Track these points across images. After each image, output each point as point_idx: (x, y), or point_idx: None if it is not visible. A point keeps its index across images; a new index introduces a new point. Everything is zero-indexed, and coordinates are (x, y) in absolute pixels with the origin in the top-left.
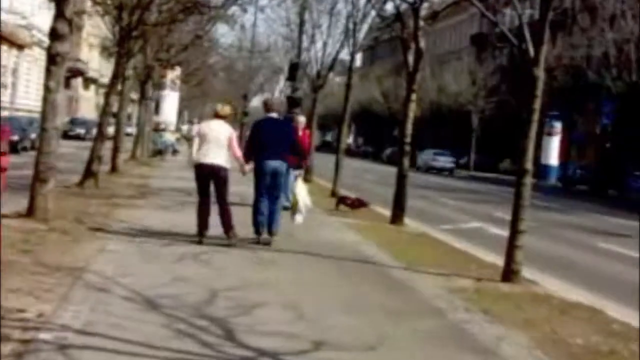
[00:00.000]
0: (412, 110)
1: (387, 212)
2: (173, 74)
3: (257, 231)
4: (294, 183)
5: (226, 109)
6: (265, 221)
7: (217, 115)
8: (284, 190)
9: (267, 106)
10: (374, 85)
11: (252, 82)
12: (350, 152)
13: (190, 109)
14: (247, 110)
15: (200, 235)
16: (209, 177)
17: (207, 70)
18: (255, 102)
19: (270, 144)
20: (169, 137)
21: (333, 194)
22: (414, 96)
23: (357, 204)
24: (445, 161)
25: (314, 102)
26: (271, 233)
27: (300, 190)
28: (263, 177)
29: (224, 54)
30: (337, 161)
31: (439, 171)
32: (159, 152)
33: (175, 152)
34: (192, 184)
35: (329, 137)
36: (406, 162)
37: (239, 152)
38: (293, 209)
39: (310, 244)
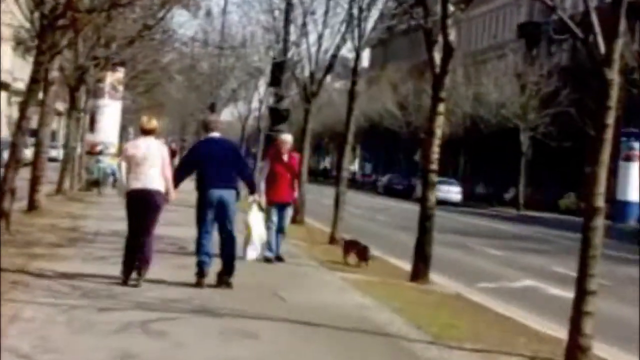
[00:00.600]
0: (440, 126)
1: (406, 266)
2: (114, 77)
3: (201, 272)
4: (250, 212)
5: (153, 122)
6: (209, 261)
7: (144, 131)
8: (267, 233)
9: (207, 125)
10: (386, 92)
11: (222, 88)
12: (356, 183)
13: (137, 125)
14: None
15: (126, 274)
16: (141, 204)
17: (161, 73)
18: (227, 114)
19: (214, 169)
20: (109, 162)
21: (332, 239)
22: (441, 107)
23: (362, 254)
24: (449, 191)
25: (306, 116)
26: (229, 276)
27: (255, 220)
28: (207, 209)
29: (184, 50)
30: (337, 196)
31: (442, 204)
32: (95, 184)
33: (117, 182)
34: None
35: (326, 163)
36: (432, 197)
37: (169, 174)
38: (246, 240)
39: (302, 309)
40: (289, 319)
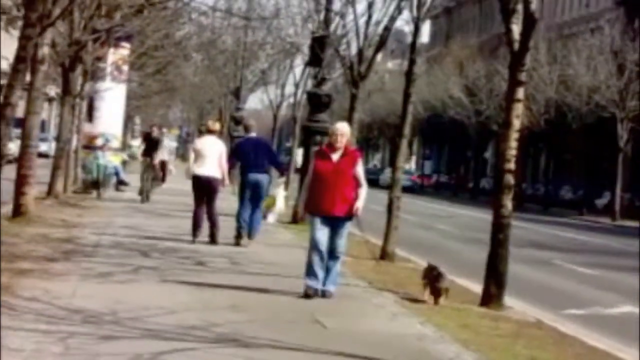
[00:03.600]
0: (518, 116)
1: (475, 287)
2: (117, 55)
3: (239, 234)
4: (278, 189)
5: (217, 125)
6: (245, 226)
7: (209, 131)
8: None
9: (247, 127)
10: (451, 75)
11: (249, 69)
12: (413, 185)
13: (145, 114)
14: (240, 115)
15: (194, 236)
16: (204, 186)
17: (174, 49)
18: (254, 101)
19: (251, 160)
20: (111, 159)
21: (383, 254)
22: (520, 93)
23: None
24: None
25: (352, 103)
26: (250, 236)
27: (279, 195)
28: (246, 189)
29: (202, 22)
30: (390, 201)
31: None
32: (93, 185)
33: (121, 183)
34: (149, 236)
35: (375, 161)
36: (508, 202)
37: (225, 166)
38: (268, 207)
39: (346, 338)
40: (329, 351)
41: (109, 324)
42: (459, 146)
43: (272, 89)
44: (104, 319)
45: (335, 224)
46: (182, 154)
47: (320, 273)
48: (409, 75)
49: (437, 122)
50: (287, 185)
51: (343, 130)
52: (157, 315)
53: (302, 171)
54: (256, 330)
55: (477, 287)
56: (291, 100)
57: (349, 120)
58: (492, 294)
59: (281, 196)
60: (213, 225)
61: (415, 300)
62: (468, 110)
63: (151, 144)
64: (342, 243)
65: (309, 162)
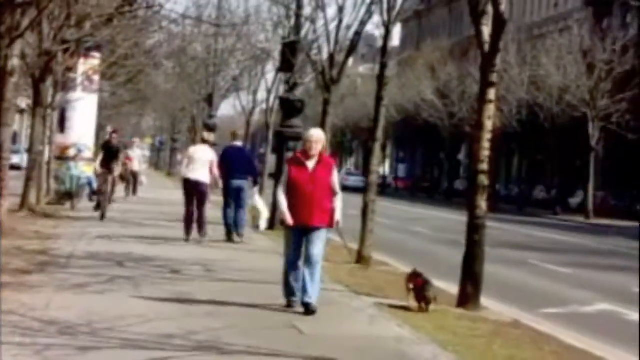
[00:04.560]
0: (490, 117)
1: (451, 288)
2: (88, 65)
3: (229, 233)
4: (255, 198)
5: (211, 137)
6: (234, 225)
7: (203, 141)
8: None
9: (234, 136)
10: (423, 77)
11: (221, 75)
12: (386, 189)
13: (117, 122)
14: (213, 122)
15: (187, 235)
16: (193, 189)
17: (145, 58)
18: (226, 107)
19: (234, 166)
20: (84, 170)
21: (360, 257)
22: (492, 94)
23: (420, 292)
24: (356, 181)
25: (324, 108)
26: (239, 234)
27: (260, 203)
28: (229, 193)
29: (173, 30)
30: (365, 205)
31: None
32: (67, 196)
33: (95, 194)
34: (125, 246)
35: (349, 165)
36: (482, 203)
37: (216, 172)
38: (255, 218)
39: (325, 344)
40: (308, 356)
41: (85, 335)
42: (433, 148)
43: (245, 95)
44: (80, 330)
45: (311, 233)
46: (156, 163)
47: (296, 287)
48: (380, 79)
49: (410, 125)
50: (261, 191)
51: (318, 137)
52: (134, 325)
53: (276, 177)
54: (234, 337)
55: (454, 289)
56: (264, 106)
57: (322, 124)
58: (468, 295)
59: (261, 203)
60: (200, 227)
61: (397, 307)
62: (441, 112)
63: (110, 154)
64: (319, 251)
65: (282, 168)
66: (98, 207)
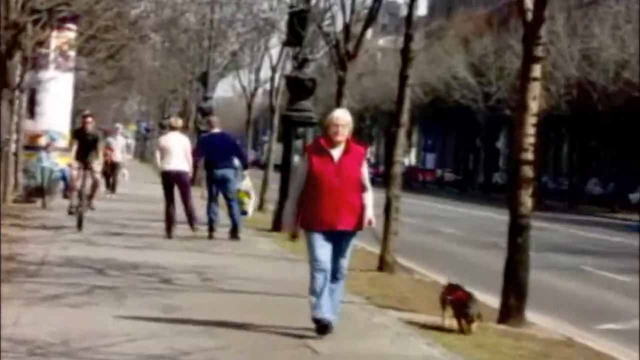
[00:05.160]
0: (535, 97)
1: (491, 300)
2: (62, 40)
3: (211, 227)
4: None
5: (179, 122)
6: (216, 219)
7: (172, 128)
8: None
9: (210, 124)
10: (455, 52)
11: (217, 50)
12: (412, 181)
13: (97, 106)
14: (209, 105)
15: (169, 232)
16: (173, 181)
17: (130, 30)
18: (224, 88)
19: (216, 155)
20: (58, 162)
21: (381, 264)
22: (536, 70)
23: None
24: None
25: (339, 88)
26: (234, 233)
27: (249, 188)
28: (212, 184)
29: None
30: (387, 201)
31: None
32: (38, 192)
33: (70, 189)
34: (106, 251)
35: (367, 155)
36: (526, 199)
37: (190, 160)
38: (241, 206)
39: None
40: None
41: (61, 356)
42: (466, 135)
43: (245, 74)
44: (54, 349)
45: (338, 240)
46: (141, 153)
47: (324, 303)
48: (405, 54)
49: (439, 108)
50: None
51: (345, 120)
52: (117, 344)
53: (283, 169)
54: (234, 359)
55: (494, 301)
56: (267, 86)
57: (337, 107)
58: (511, 308)
59: (250, 187)
60: (190, 218)
61: (427, 326)
62: (476, 92)
63: (86, 144)
64: (346, 263)
65: (290, 159)
66: (71, 212)
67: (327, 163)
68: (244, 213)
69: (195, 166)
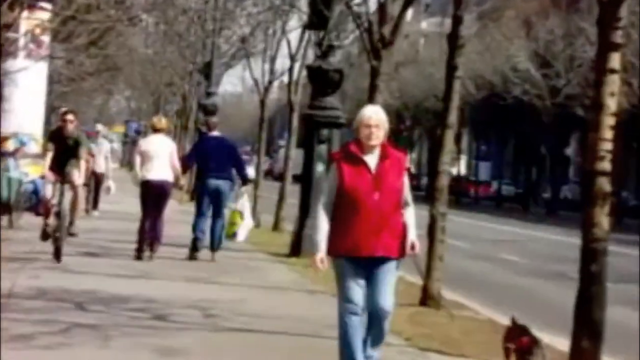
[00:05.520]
0: (614, 94)
1: (559, 343)
2: (34, 22)
3: (194, 248)
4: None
5: (163, 121)
6: (203, 238)
7: (155, 130)
8: None
9: (209, 126)
10: (514, 37)
11: (222, 35)
12: (461, 196)
13: (76, 103)
14: (213, 102)
15: (140, 251)
16: (155, 193)
17: (116, 10)
18: (231, 81)
19: (213, 162)
20: (28, 171)
21: (424, 297)
22: (615, 60)
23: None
24: None
25: (372, 81)
26: (213, 251)
27: (246, 207)
28: (204, 196)
29: None
30: (431, 220)
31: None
32: (3, 207)
33: (41, 212)
34: (87, 280)
35: (407, 162)
36: (603, 218)
37: (177, 165)
38: (231, 227)
39: None
40: None
41: None
42: (529, 139)
43: (258, 64)
44: None
45: (377, 268)
46: (128, 161)
47: (361, 348)
48: (453, 40)
49: (496, 106)
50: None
51: (379, 119)
52: None
53: (304, 181)
54: None
55: (563, 343)
56: (285, 79)
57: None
58: (584, 352)
59: (247, 208)
60: (154, 237)
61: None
62: (540, 87)
63: (65, 149)
64: (390, 296)
65: (313, 168)
66: (46, 237)
67: (361, 173)
68: (233, 236)
69: (184, 171)
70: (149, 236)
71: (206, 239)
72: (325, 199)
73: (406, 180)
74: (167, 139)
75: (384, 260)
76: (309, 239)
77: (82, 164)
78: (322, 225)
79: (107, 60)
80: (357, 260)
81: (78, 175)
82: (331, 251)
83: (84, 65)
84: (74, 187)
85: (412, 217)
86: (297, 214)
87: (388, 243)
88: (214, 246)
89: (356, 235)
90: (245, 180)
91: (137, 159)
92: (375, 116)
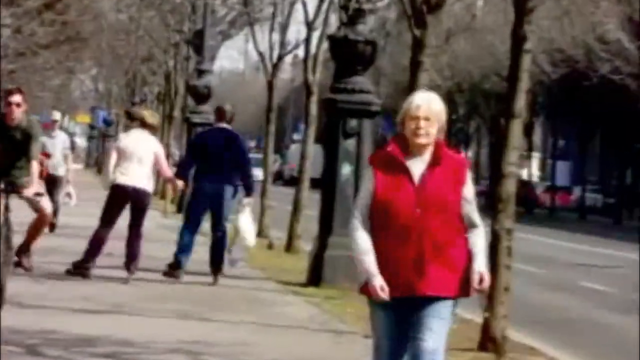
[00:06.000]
0: None
1: None
2: None
3: (177, 265)
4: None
5: (156, 118)
6: (188, 255)
7: (143, 124)
8: None
9: (219, 114)
10: (601, 1)
11: None
12: (533, 205)
13: (26, 84)
14: (205, 83)
15: (87, 263)
16: (126, 201)
17: None
18: (229, 56)
19: (213, 161)
20: None
21: (485, 339)
22: None
23: None
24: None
25: (414, 55)
26: (216, 272)
27: (245, 224)
28: (198, 202)
29: None
30: (493, 237)
31: None
32: None
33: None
34: (45, 317)
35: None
36: None
37: (169, 172)
38: (229, 243)
39: None
40: None
41: None
42: (620, 134)
43: (264, 34)
44: None
45: (424, 311)
46: (96, 161)
47: None
48: (520, 3)
49: (577, 89)
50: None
51: (431, 110)
52: None
53: (324, 186)
54: None
55: None
56: (300, 53)
57: (411, 87)
58: None
59: (250, 224)
60: (131, 258)
61: None
62: (635, 63)
63: (11, 145)
64: (440, 344)
65: (336, 170)
66: None
67: (401, 183)
68: (229, 253)
69: (179, 177)
70: (127, 253)
71: (189, 260)
72: (358, 213)
73: (469, 193)
74: (154, 139)
75: (432, 300)
76: (336, 263)
77: (34, 165)
78: (363, 244)
79: (67, 29)
80: (395, 302)
81: (31, 184)
82: (362, 288)
83: (36, 35)
84: (33, 204)
85: (482, 240)
86: (317, 230)
87: (440, 278)
88: (216, 265)
89: (391, 268)
90: (250, 192)
91: (113, 156)
92: (425, 105)
